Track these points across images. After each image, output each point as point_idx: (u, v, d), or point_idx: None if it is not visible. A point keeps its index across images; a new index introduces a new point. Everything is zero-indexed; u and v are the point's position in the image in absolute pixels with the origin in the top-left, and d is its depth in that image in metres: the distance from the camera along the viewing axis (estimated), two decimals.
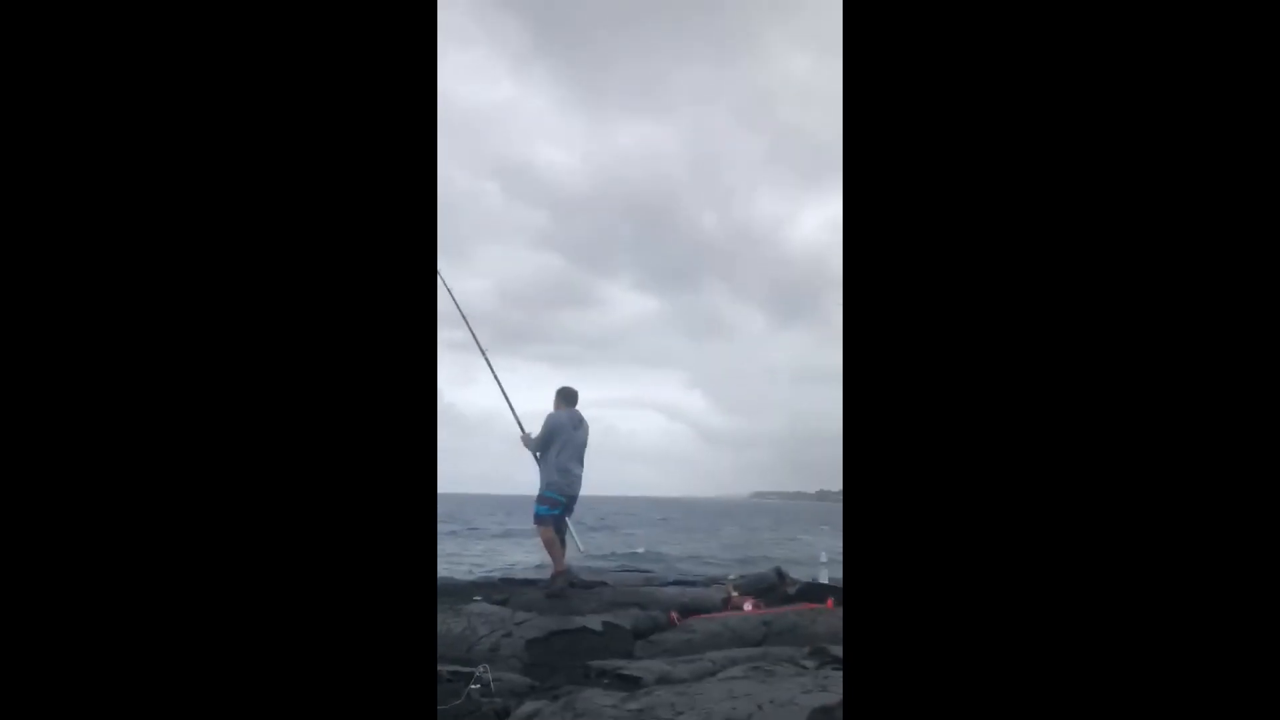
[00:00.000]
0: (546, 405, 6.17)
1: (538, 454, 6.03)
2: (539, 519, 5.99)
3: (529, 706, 3.49)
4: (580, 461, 6.09)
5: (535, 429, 6.07)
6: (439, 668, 3.84)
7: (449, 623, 5.04)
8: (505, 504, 57.49)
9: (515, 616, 5.14)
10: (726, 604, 6.19)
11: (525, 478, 6.19)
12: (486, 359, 6.29)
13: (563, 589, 5.87)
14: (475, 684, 3.74)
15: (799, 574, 8.08)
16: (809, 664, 4.22)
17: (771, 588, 6.83)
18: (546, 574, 6.53)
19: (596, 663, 4.35)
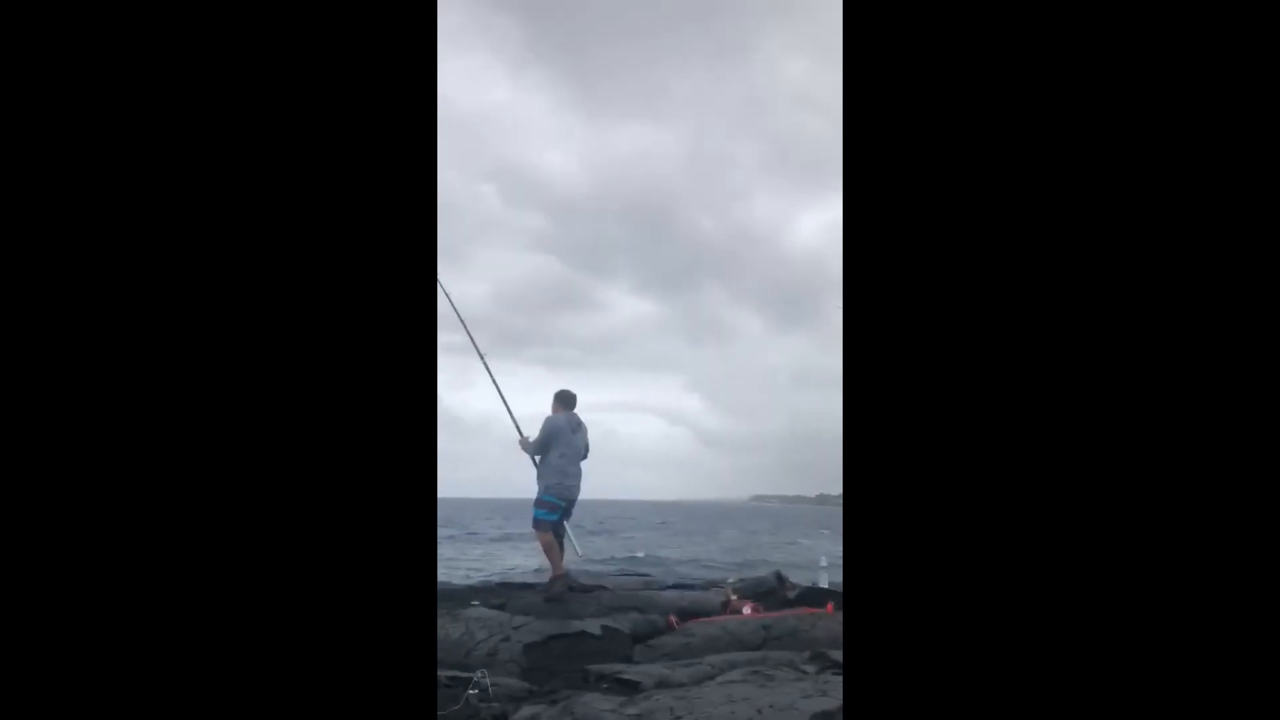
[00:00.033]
0: (544, 409, 6.17)
1: (536, 458, 6.02)
2: (537, 523, 5.97)
3: (527, 711, 3.48)
4: (578, 465, 6.08)
5: (533, 433, 6.06)
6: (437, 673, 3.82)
7: (447, 627, 5.02)
8: (503, 508, 57.48)
9: (513, 621, 5.13)
10: (726, 608, 6.17)
11: (523, 481, 6.18)
12: (485, 364, 6.28)
13: (561, 593, 5.86)
14: (473, 689, 3.72)
15: (799, 578, 8.06)
16: (809, 668, 4.20)
17: (771, 591, 6.82)
18: (545, 578, 6.51)
19: (595, 667, 4.33)
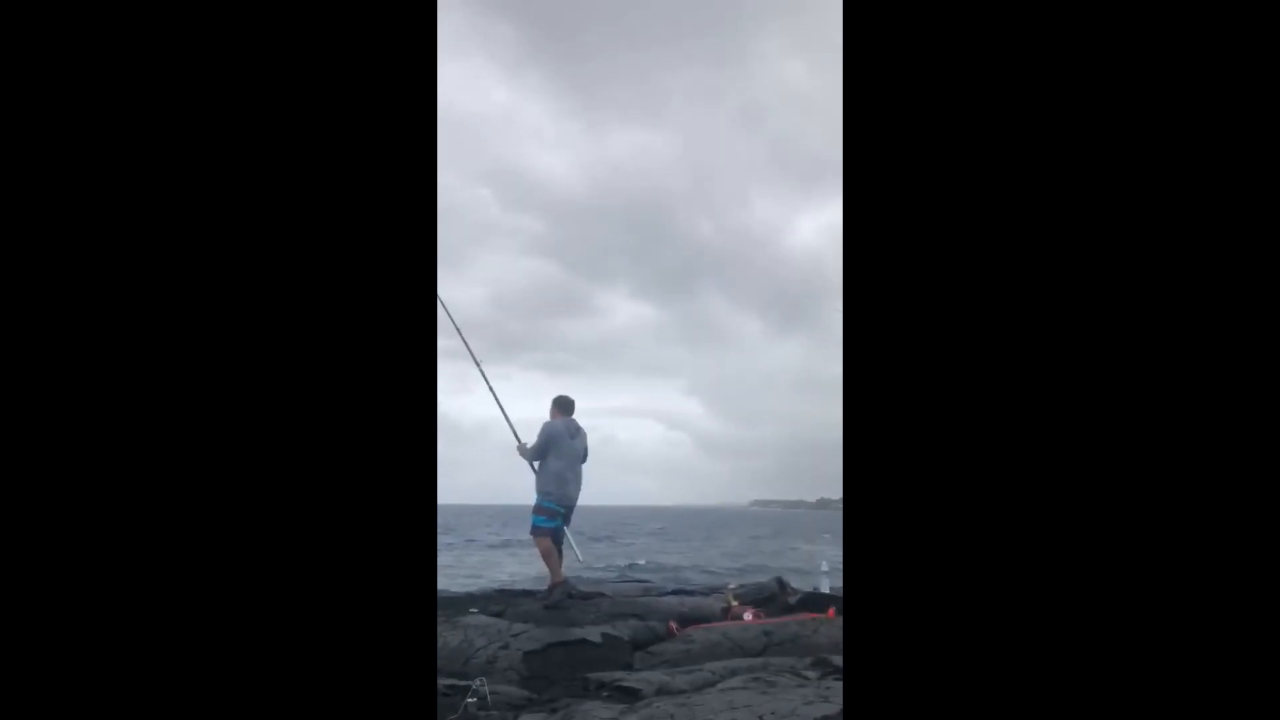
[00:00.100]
0: (543, 414, 6.15)
1: (534, 463, 6.00)
2: (536, 529, 5.95)
3: (527, 719, 3.45)
4: (577, 471, 6.06)
5: (532, 438, 6.03)
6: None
7: (445, 635, 5.00)
8: (502, 514, 57.47)
9: (512, 628, 5.10)
10: (726, 614, 6.15)
11: (522, 487, 6.16)
12: (482, 372, 6.25)
13: (560, 600, 5.83)
14: (472, 697, 3.69)
15: (800, 583, 8.03)
16: (810, 674, 4.17)
17: (772, 597, 6.79)
18: (544, 585, 6.48)
19: (595, 674, 4.31)
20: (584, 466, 6.14)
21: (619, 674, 4.31)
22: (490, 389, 6.26)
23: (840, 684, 3.66)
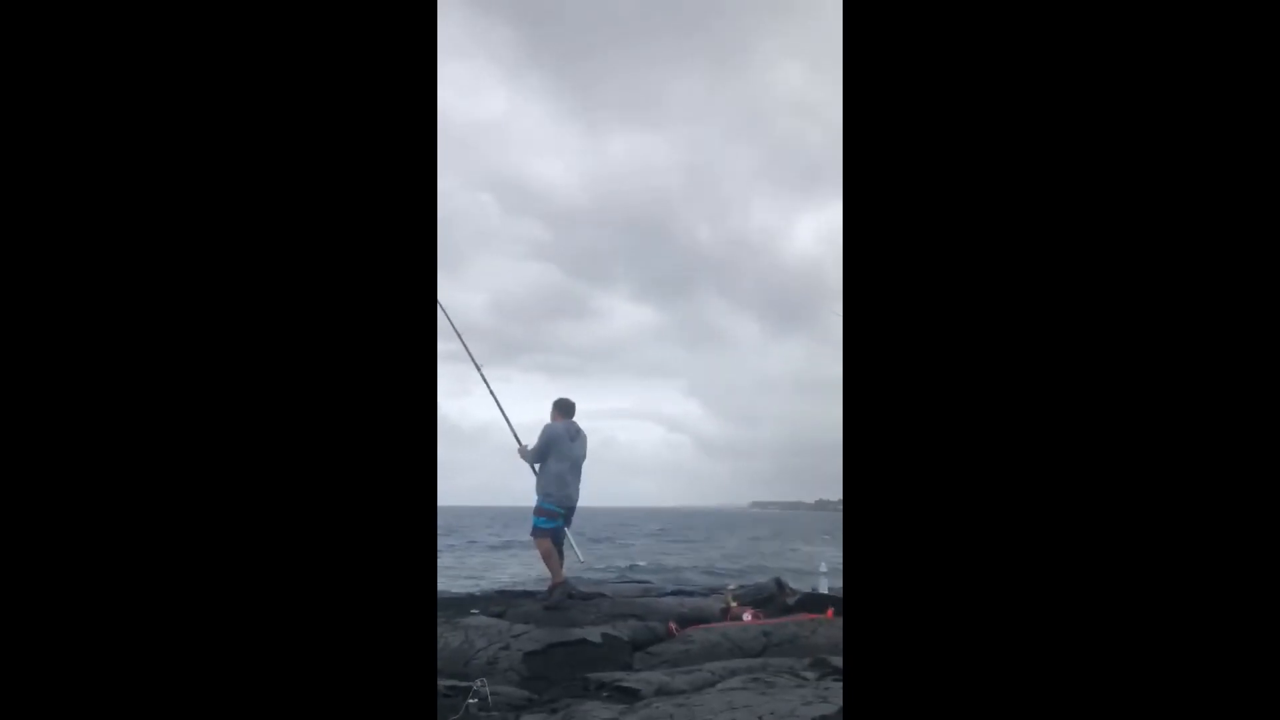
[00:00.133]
0: (543, 416, 6.16)
1: (535, 466, 6.01)
2: (536, 531, 5.96)
3: None
4: (577, 473, 6.08)
5: (532, 441, 6.05)
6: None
7: (446, 636, 5.00)
8: (503, 516, 57.36)
9: (513, 629, 5.11)
10: (726, 614, 6.16)
11: (523, 489, 6.17)
12: (483, 375, 6.26)
13: (560, 601, 5.84)
14: (473, 698, 3.70)
15: (799, 584, 8.04)
16: (809, 675, 4.18)
17: (771, 598, 6.79)
18: (545, 586, 6.50)
19: (595, 675, 4.32)
20: (584, 467, 6.16)
21: (619, 674, 4.32)
22: (491, 392, 6.27)
23: (838, 684, 3.67)
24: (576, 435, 6.08)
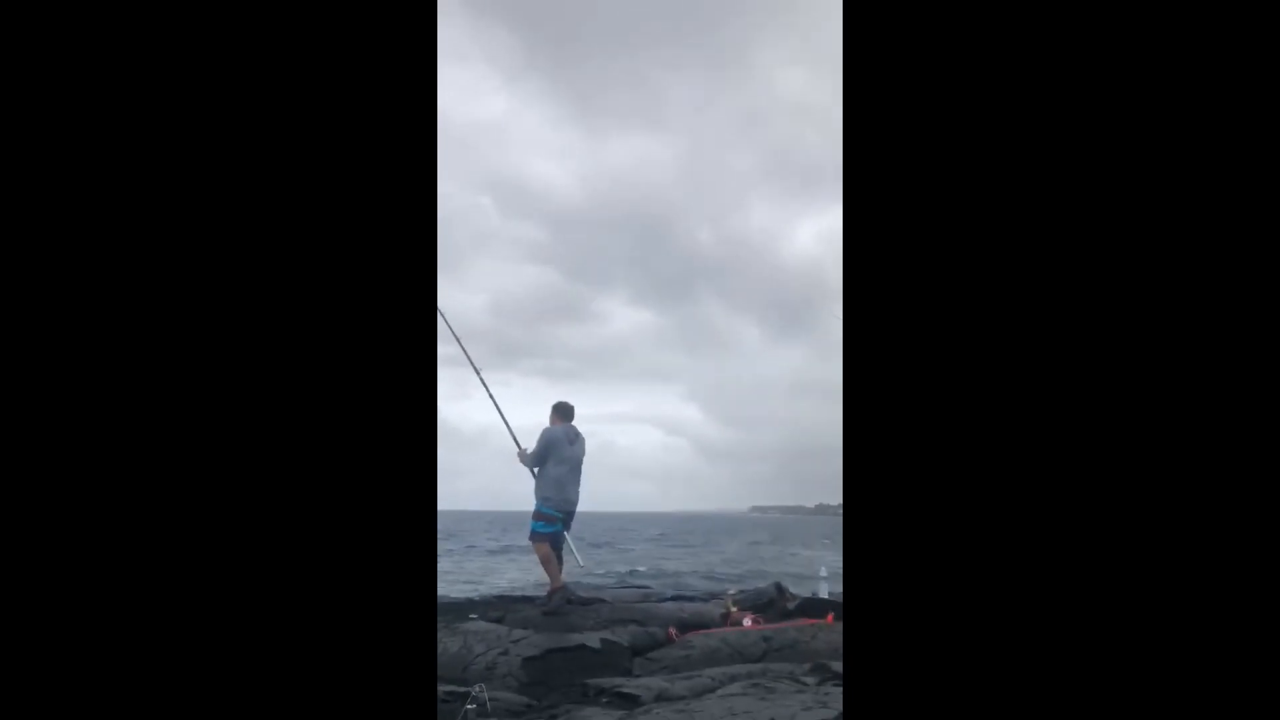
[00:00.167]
0: (542, 420, 6.15)
1: (534, 470, 6.00)
2: (535, 535, 5.95)
3: None
4: (577, 477, 6.07)
5: (531, 444, 6.04)
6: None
7: (445, 641, 4.99)
8: (502, 520, 57.33)
9: (512, 634, 5.10)
10: (726, 620, 6.15)
11: (522, 493, 6.17)
12: (482, 379, 6.26)
13: (560, 606, 5.83)
14: (471, 704, 3.69)
15: (799, 589, 8.03)
16: (809, 680, 4.17)
17: (771, 603, 6.79)
18: (544, 591, 6.48)
19: (594, 681, 4.30)
20: (584, 465, 6.15)
21: (618, 680, 4.31)
22: (490, 396, 6.27)
23: (838, 690, 3.66)
24: (576, 439, 6.07)
